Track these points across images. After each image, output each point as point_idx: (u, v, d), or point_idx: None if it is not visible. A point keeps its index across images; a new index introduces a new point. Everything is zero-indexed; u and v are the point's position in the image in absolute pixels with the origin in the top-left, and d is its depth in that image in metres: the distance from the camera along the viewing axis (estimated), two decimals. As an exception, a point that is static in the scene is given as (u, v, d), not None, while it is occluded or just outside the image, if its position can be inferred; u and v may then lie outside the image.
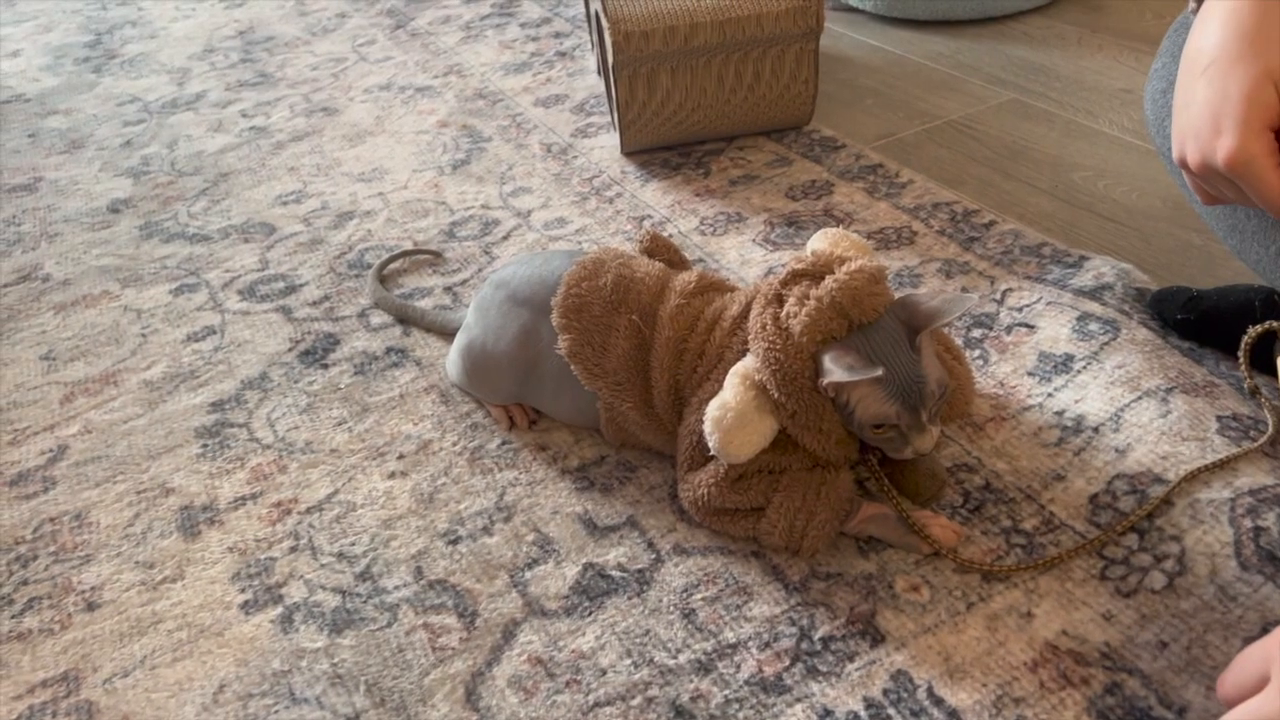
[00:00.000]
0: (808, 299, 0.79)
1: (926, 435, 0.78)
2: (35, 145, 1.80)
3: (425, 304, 1.22)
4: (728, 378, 0.81)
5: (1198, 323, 0.98)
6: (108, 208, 1.55)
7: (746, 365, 0.81)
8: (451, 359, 1.05)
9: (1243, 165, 0.61)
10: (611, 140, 1.57)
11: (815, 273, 0.82)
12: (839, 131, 1.52)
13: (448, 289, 1.25)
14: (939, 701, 0.71)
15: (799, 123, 1.53)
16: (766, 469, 0.83)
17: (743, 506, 0.83)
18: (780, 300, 0.82)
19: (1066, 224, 1.25)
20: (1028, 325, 1.04)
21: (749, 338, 0.82)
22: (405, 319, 1.20)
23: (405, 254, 1.32)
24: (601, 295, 0.90)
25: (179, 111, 1.89)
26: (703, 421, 0.81)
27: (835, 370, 0.76)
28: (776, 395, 0.79)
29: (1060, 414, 0.92)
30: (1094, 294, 1.05)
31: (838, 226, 1.25)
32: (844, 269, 0.79)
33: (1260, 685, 0.58)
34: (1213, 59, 0.65)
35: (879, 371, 0.74)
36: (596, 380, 0.90)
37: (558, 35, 2.05)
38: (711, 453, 0.81)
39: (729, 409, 0.79)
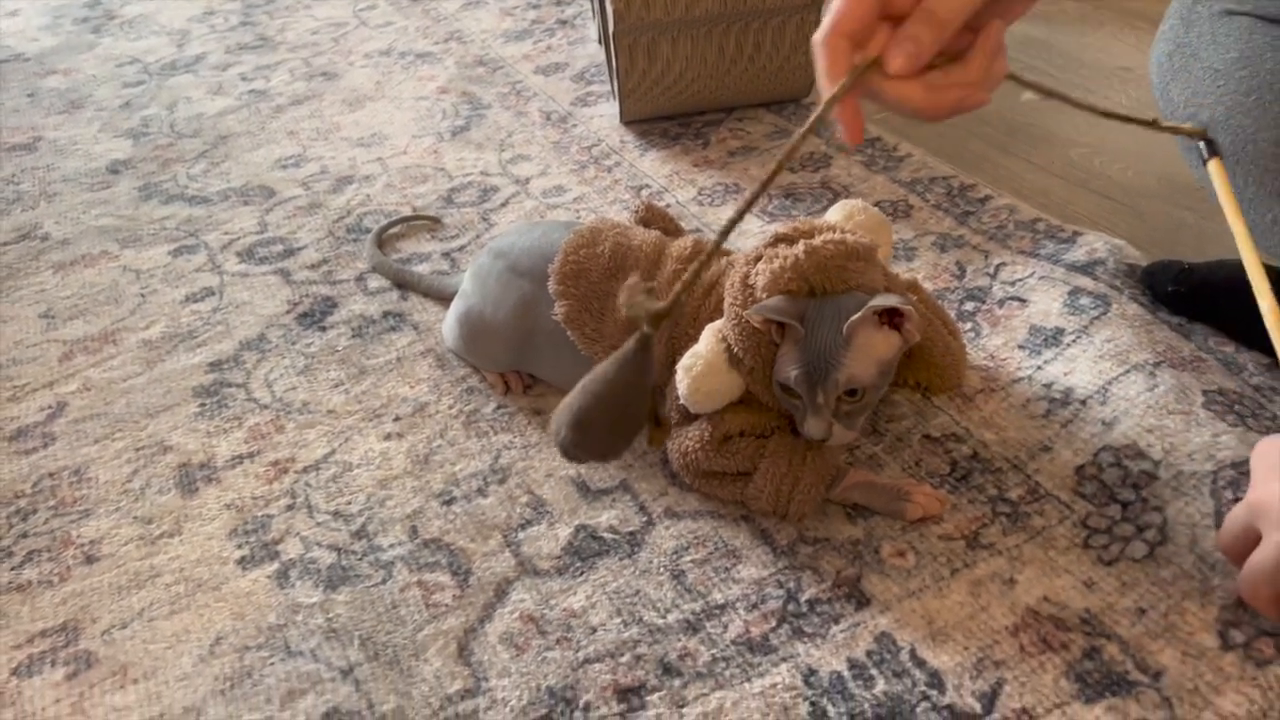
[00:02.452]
0: (775, 260, 0.80)
1: (818, 421, 0.77)
2: (34, 105, 1.80)
3: (423, 269, 1.23)
4: (704, 331, 0.84)
5: (1189, 295, 0.99)
6: (107, 168, 1.55)
7: (722, 321, 0.84)
8: (448, 326, 1.06)
9: None
10: (611, 109, 1.57)
11: (795, 237, 0.83)
12: (838, 104, 1.52)
13: (445, 254, 1.26)
14: (921, 663, 0.72)
15: (798, 95, 1.53)
16: (752, 432, 0.84)
17: (730, 470, 0.84)
18: (758, 261, 0.83)
19: (1062, 200, 1.26)
20: (1020, 299, 1.05)
21: (730, 298, 0.84)
22: (402, 284, 1.20)
23: (405, 220, 1.32)
24: (599, 263, 0.91)
25: (178, 73, 1.89)
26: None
27: (763, 304, 0.78)
28: (738, 351, 0.81)
29: (1049, 386, 0.94)
30: (1086, 269, 1.06)
31: (841, 199, 1.26)
32: (822, 236, 0.80)
33: (1247, 532, 0.67)
34: None
35: (795, 323, 0.76)
36: (594, 345, 0.91)
37: (559, 3, 2.04)
38: (681, 400, 0.84)
39: (699, 358, 0.82)
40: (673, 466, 0.88)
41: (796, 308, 0.78)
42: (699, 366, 0.82)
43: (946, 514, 0.83)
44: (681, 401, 0.84)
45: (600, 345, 0.91)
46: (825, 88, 0.60)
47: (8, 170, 1.57)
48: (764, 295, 0.80)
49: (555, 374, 0.99)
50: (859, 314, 0.75)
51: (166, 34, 2.09)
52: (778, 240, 0.84)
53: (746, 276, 0.83)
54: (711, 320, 0.87)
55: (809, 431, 0.78)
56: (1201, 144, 0.76)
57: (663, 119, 1.53)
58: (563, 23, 1.94)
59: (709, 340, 0.83)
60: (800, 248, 0.80)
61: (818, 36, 0.61)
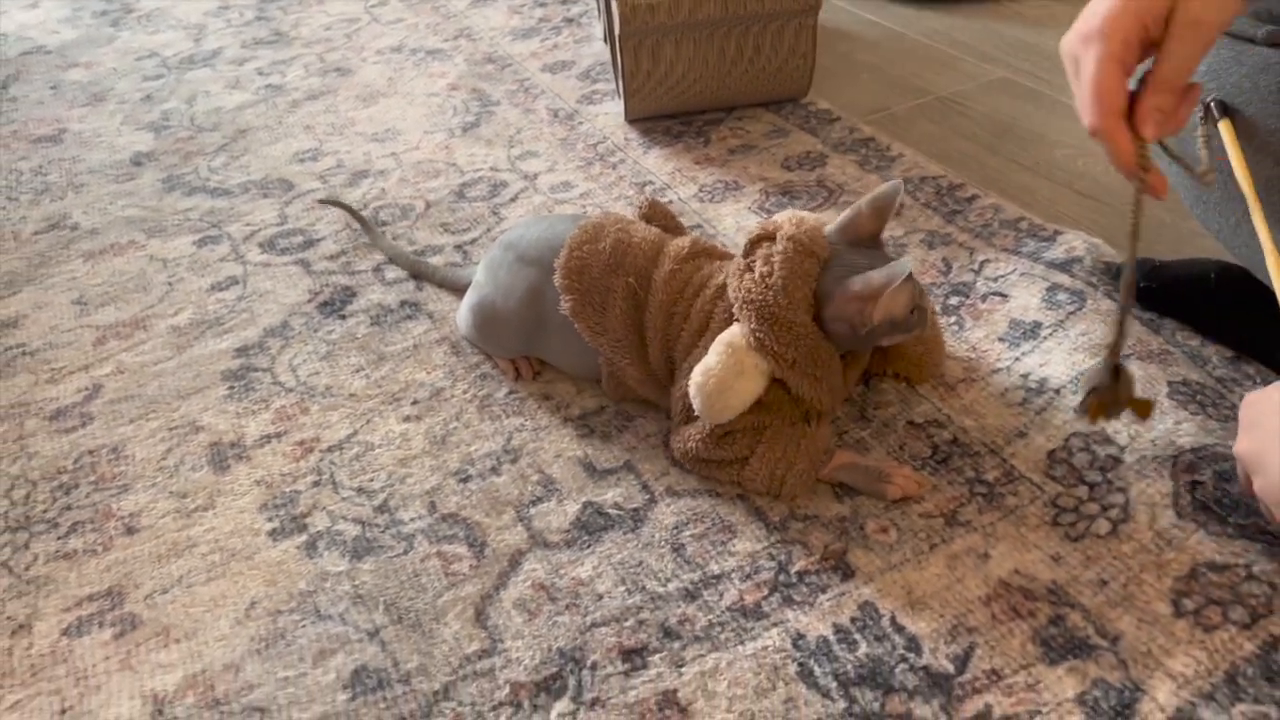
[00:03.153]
0: (773, 256, 0.87)
1: (925, 297, 0.90)
2: (58, 97, 1.86)
3: (436, 261, 1.29)
4: (713, 345, 0.89)
5: (1159, 291, 1.06)
6: (130, 160, 1.61)
7: (732, 333, 0.89)
8: (462, 315, 1.12)
9: None
10: (616, 107, 1.64)
11: (767, 234, 0.91)
12: (834, 104, 1.59)
13: (458, 247, 1.32)
14: (900, 629, 0.79)
15: (796, 95, 1.59)
16: (752, 426, 0.90)
17: (728, 458, 0.91)
18: (750, 268, 0.89)
19: (1046, 200, 1.32)
20: (1001, 294, 1.11)
21: (735, 308, 0.89)
22: (418, 275, 1.27)
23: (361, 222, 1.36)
24: (600, 259, 0.97)
25: (196, 68, 1.95)
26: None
27: (882, 288, 0.84)
28: (777, 348, 0.86)
29: (1026, 376, 1.00)
30: (1064, 266, 1.13)
31: (828, 197, 1.32)
32: (788, 223, 0.90)
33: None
34: None
35: (909, 265, 0.83)
36: (599, 338, 0.97)
37: (564, 1, 2.10)
38: (696, 413, 0.89)
39: (711, 375, 0.87)
40: (674, 454, 0.95)
41: (873, 272, 0.85)
42: (712, 384, 0.86)
43: (927, 494, 0.90)
44: (696, 414, 0.89)
45: (605, 339, 0.97)
46: (1103, 117, 0.69)
47: (35, 161, 1.63)
48: (790, 286, 0.86)
49: (564, 360, 1.06)
50: (886, 223, 0.91)
51: (183, 28, 2.15)
52: (756, 242, 0.92)
53: (760, 280, 0.88)
54: (705, 325, 0.92)
55: (929, 305, 0.91)
56: (1212, 103, 0.82)
57: (665, 117, 1.59)
58: (569, 21, 2.00)
59: (719, 354, 0.87)
60: (784, 238, 0.88)
61: (1093, 71, 0.69)
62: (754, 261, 0.90)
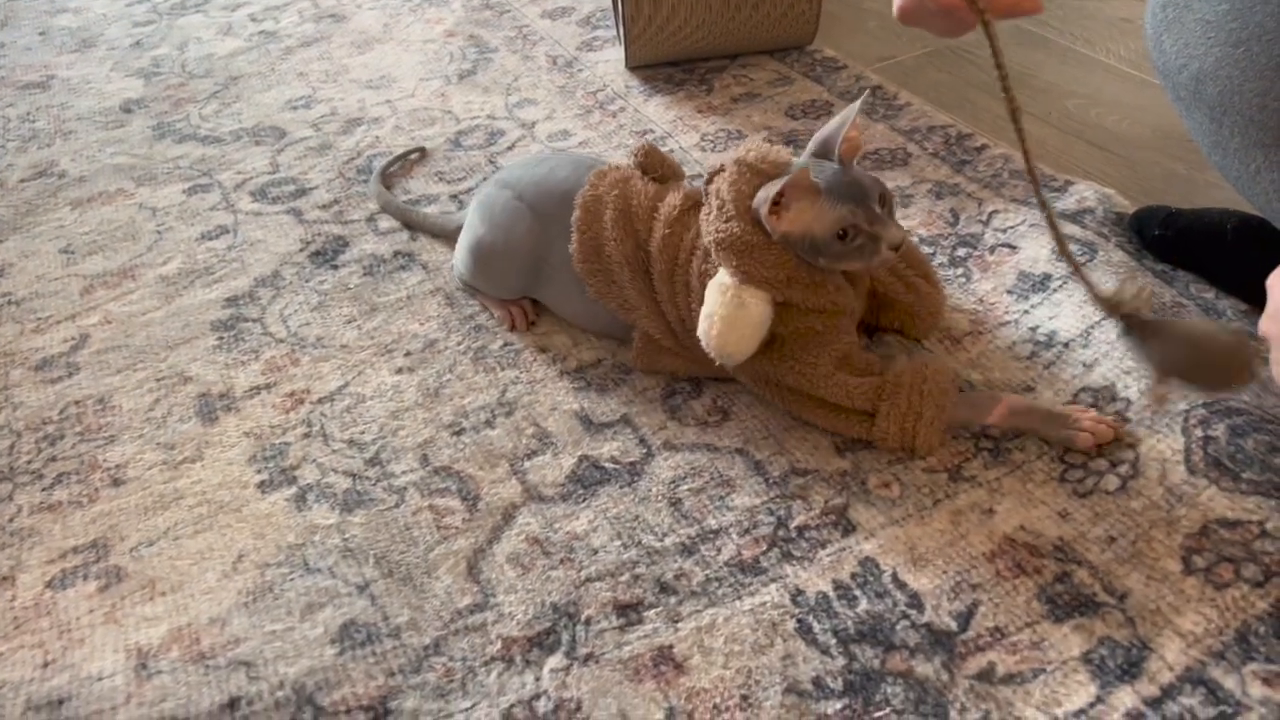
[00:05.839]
0: (723, 186, 0.88)
1: (891, 228, 0.83)
2: (46, 43, 1.82)
3: (431, 211, 1.26)
4: (706, 293, 0.87)
5: (1173, 239, 1.03)
6: (120, 107, 1.58)
7: (721, 275, 0.87)
8: (459, 258, 1.09)
9: None
10: (617, 54, 1.59)
11: (722, 166, 0.91)
12: (841, 52, 1.55)
13: (453, 196, 1.29)
14: (902, 585, 0.77)
15: (802, 42, 1.55)
16: (802, 332, 0.88)
17: (851, 406, 0.87)
18: (710, 203, 0.90)
19: (1057, 150, 1.28)
20: (1010, 246, 1.08)
21: (712, 253, 0.87)
22: (409, 223, 1.24)
23: (402, 156, 1.36)
24: (608, 234, 0.95)
25: (188, 13, 1.90)
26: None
27: (766, 196, 0.84)
28: (765, 273, 0.84)
29: (1034, 330, 0.97)
30: (1075, 217, 1.09)
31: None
32: (741, 148, 0.90)
33: None
34: None
35: (802, 160, 0.82)
36: (632, 313, 0.95)
37: (566, -53, 2.05)
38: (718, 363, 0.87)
39: (714, 318, 0.85)
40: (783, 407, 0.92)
41: (778, 181, 0.83)
42: (716, 326, 0.85)
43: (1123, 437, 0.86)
44: (719, 363, 0.87)
45: (638, 313, 0.95)
46: None
47: (23, 108, 1.60)
48: (739, 205, 0.85)
49: (564, 306, 1.03)
50: (840, 136, 0.86)
51: (175, -27, 2.10)
52: (714, 174, 0.91)
53: (719, 215, 0.87)
54: (701, 283, 0.90)
55: (892, 239, 0.82)
56: None
57: (667, 65, 1.55)
58: (569, -33, 1.95)
59: (714, 296, 0.86)
60: (732, 161, 0.88)
61: None
62: (710, 196, 0.89)
